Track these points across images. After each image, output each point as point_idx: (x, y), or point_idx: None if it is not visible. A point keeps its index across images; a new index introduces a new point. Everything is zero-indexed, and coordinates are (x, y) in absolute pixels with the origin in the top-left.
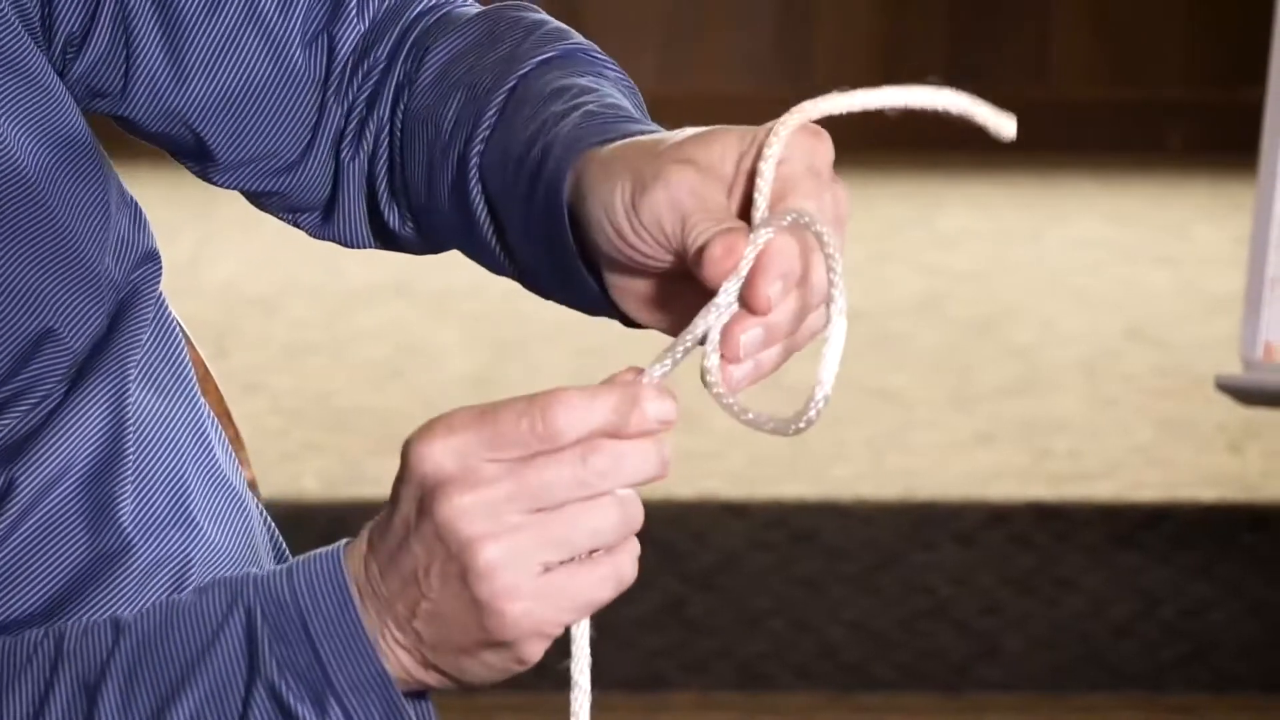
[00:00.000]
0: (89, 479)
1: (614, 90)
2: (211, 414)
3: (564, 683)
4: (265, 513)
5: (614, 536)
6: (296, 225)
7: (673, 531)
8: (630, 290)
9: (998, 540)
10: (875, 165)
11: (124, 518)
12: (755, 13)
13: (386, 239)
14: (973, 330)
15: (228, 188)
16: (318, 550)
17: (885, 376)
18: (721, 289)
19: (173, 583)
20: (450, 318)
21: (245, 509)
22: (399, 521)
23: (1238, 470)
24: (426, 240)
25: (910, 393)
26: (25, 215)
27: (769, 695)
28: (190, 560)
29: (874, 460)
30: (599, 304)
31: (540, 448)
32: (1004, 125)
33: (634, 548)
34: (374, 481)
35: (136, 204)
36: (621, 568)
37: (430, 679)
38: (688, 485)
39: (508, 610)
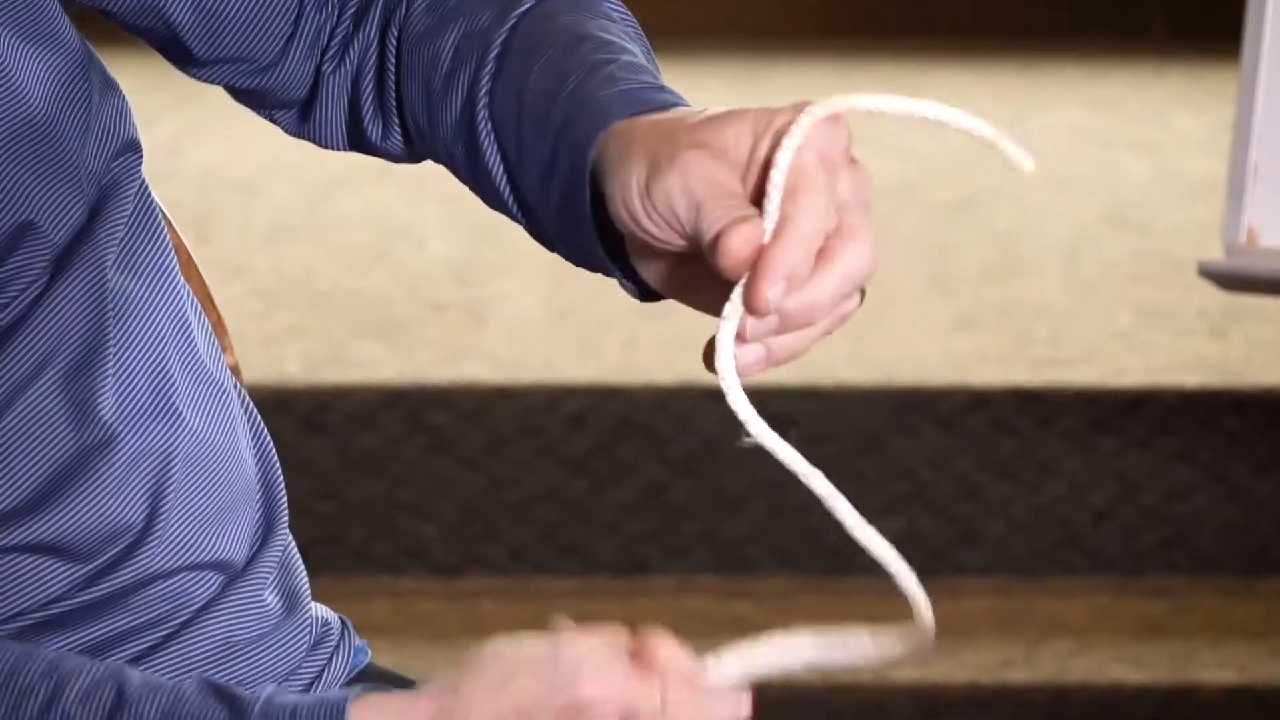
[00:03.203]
0: (71, 371)
1: (624, 38)
2: (194, 300)
3: (542, 565)
4: (247, 400)
5: None
6: (273, 121)
7: (654, 417)
8: (651, 265)
9: (978, 425)
10: (856, 51)
11: (106, 410)
12: None
13: (365, 147)
14: (952, 215)
15: (206, 82)
16: (325, 699)
17: None
18: (737, 288)
19: (156, 475)
20: (431, 201)
21: (226, 399)
22: None
23: (1219, 355)
24: (416, 157)
25: (889, 278)
26: (3, 110)
27: (749, 579)
28: (173, 452)
29: (854, 346)
30: (606, 270)
31: None
32: (1024, 161)
33: None
34: (356, 364)
35: (120, 91)
36: None
37: None
38: (668, 370)
39: None
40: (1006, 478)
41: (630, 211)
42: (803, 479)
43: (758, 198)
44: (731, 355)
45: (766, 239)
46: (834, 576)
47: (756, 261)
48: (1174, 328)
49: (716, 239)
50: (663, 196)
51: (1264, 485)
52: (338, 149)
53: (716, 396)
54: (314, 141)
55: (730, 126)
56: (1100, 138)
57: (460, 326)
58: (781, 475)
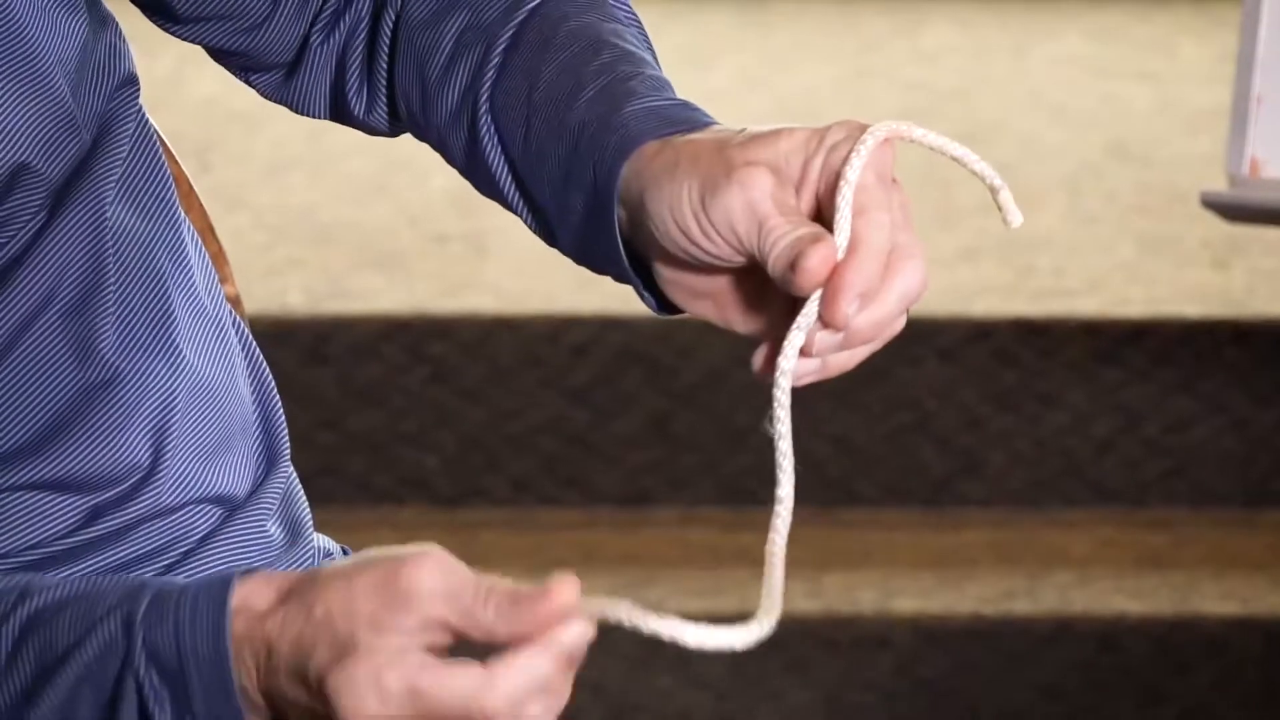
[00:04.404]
0: (73, 308)
1: (638, 45)
2: (194, 234)
3: (545, 497)
4: (246, 335)
5: None
6: (250, 84)
7: (657, 348)
8: (682, 282)
9: (981, 356)
10: None
11: (108, 347)
12: None
13: (346, 119)
14: None
15: (188, 41)
16: (215, 576)
17: None
18: (810, 301)
19: (160, 412)
20: None
21: (224, 335)
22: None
23: (1221, 286)
24: (399, 133)
25: None
26: (3, 50)
27: (751, 511)
28: (175, 389)
29: None
30: (626, 280)
31: None
32: (1014, 216)
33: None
34: (357, 296)
35: (116, 24)
36: None
37: None
38: None
39: None
40: (1008, 409)
41: (683, 230)
42: (778, 500)
43: (814, 214)
44: (793, 363)
45: (840, 255)
46: (836, 508)
47: (832, 278)
48: (1176, 259)
49: (791, 259)
50: (722, 213)
51: (1266, 416)
52: (317, 117)
53: (720, 328)
54: (293, 109)
55: (782, 143)
56: (1102, 68)
57: (461, 258)
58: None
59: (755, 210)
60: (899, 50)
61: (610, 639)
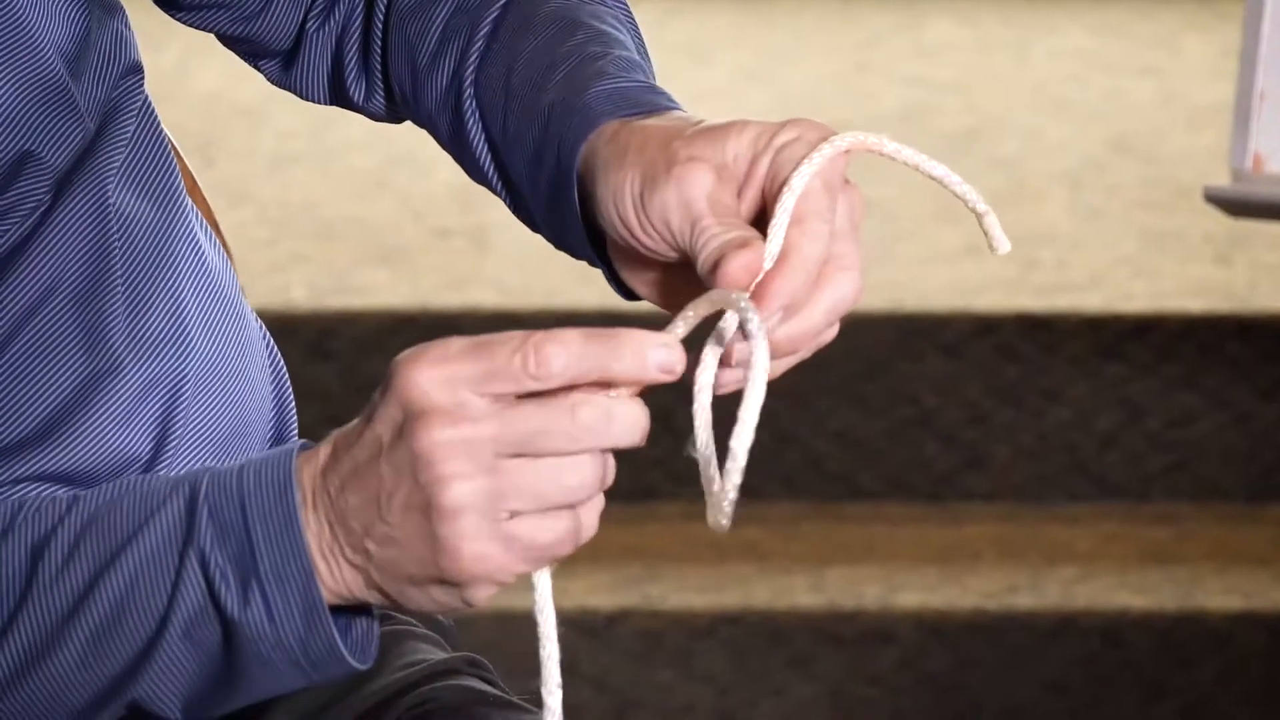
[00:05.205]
0: (80, 295)
1: (617, 27)
2: (203, 221)
3: None
4: (260, 322)
5: (586, 493)
6: (257, 69)
7: None
8: (633, 269)
9: (984, 351)
10: None
11: (116, 337)
12: None
13: (347, 104)
14: (957, 142)
15: (191, 27)
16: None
17: (870, 188)
18: (728, 315)
19: (165, 403)
20: None
21: (242, 319)
22: (370, 439)
23: (1224, 281)
24: (399, 119)
25: (895, 205)
26: (4, 41)
27: (754, 505)
28: (183, 378)
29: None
30: (591, 263)
31: (533, 387)
32: (1001, 243)
33: (599, 502)
34: (361, 291)
35: (124, 13)
36: (585, 523)
37: (372, 598)
38: None
39: (465, 552)
40: (1012, 404)
41: (623, 219)
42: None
43: (754, 215)
44: (713, 373)
45: (767, 264)
46: (838, 502)
47: (758, 288)
48: (1179, 253)
49: (716, 261)
50: (658, 209)
51: (1269, 411)
52: (319, 103)
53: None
54: (295, 93)
55: (730, 140)
56: (1106, 63)
57: (464, 253)
58: (787, 402)
59: (690, 209)
60: (900, 45)
61: (612, 634)
